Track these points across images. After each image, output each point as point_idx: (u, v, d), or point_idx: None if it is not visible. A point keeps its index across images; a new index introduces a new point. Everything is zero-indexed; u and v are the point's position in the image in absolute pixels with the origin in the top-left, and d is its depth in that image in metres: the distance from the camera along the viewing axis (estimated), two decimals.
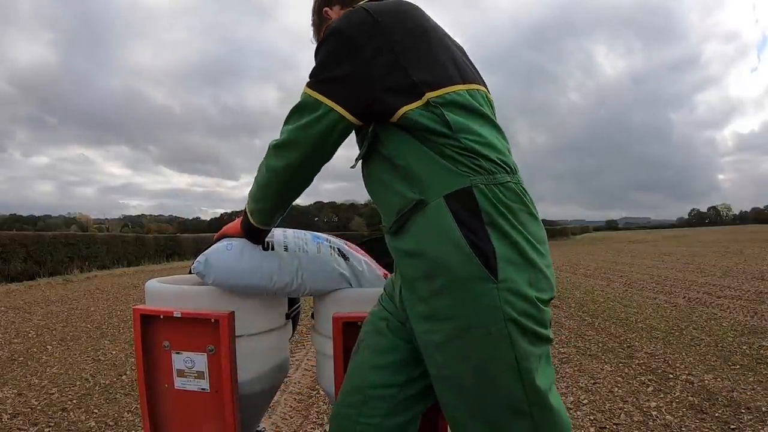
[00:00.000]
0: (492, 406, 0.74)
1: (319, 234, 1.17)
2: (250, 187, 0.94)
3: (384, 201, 0.85)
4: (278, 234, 1.09)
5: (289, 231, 1.13)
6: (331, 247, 1.10)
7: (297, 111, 0.83)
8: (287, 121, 0.85)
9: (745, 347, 3.41)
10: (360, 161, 0.88)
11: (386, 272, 1.14)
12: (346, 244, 1.17)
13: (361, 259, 1.13)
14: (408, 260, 0.77)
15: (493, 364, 0.72)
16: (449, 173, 0.75)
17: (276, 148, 0.86)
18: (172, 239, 21.20)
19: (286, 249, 1.05)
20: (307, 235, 1.14)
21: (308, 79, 0.84)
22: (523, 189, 0.80)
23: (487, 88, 0.91)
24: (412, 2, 0.87)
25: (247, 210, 0.96)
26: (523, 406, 0.73)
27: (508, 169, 0.78)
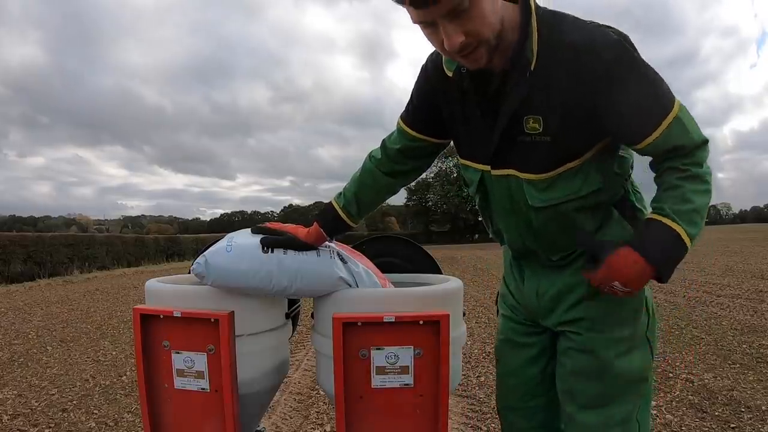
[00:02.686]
0: None
1: None
2: (693, 208, 0.83)
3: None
4: None
5: None
6: (330, 251, 1.10)
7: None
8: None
9: (745, 346, 3.41)
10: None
11: (385, 279, 1.14)
12: (345, 249, 1.17)
13: (360, 264, 1.13)
14: None
15: None
16: None
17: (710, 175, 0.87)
18: (172, 240, 21.20)
19: (285, 251, 1.05)
20: None
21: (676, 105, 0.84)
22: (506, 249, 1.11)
23: None
24: None
25: (688, 234, 0.82)
26: None
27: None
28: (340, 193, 1.13)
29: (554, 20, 0.84)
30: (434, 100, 1.00)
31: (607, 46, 0.80)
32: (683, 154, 0.84)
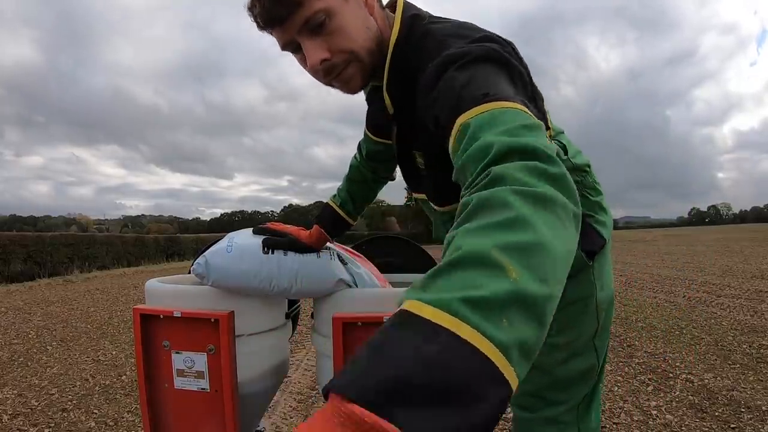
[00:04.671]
0: None
1: None
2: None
3: None
4: None
5: None
6: (330, 252, 1.10)
7: None
8: None
9: (745, 346, 3.41)
10: None
11: (385, 281, 1.14)
12: (346, 250, 1.17)
13: (361, 266, 1.13)
14: None
15: None
16: None
17: None
18: (172, 239, 21.21)
19: (285, 252, 1.05)
20: None
21: None
22: None
23: None
24: None
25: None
26: None
27: None
28: (335, 194, 1.15)
29: (421, 43, 0.71)
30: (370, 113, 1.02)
31: (436, 56, 0.63)
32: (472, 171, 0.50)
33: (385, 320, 0.91)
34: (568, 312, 0.89)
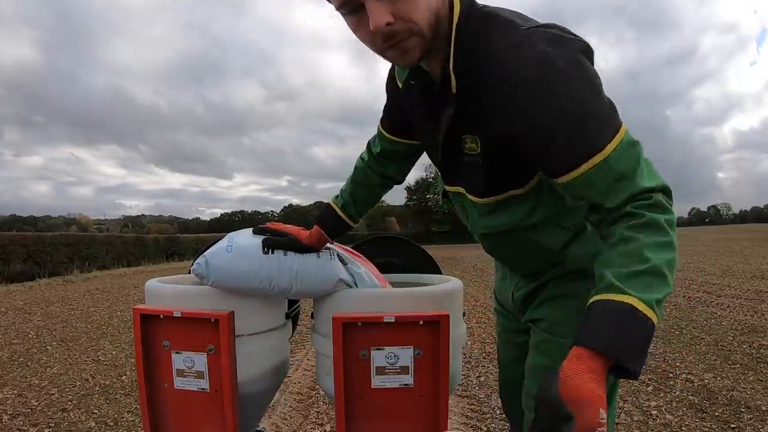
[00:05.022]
0: None
1: None
2: (648, 268, 0.62)
3: None
4: None
5: None
6: (330, 252, 1.10)
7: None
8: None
9: (745, 346, 3.41)
10: None
11: (385, 281, 1.14)
12: (346, 250, 1.17)
13: (361, 266, 1.13)
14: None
15: None
16: None
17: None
18: (172, 239, 21.21)
19: (285, 252, 1.05)
20: None
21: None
22: None
23: None
24: None
25: (645, 303, 0.60)
26: None
27: None
28: (338, 195, 1.13)
29: (482, 25, 0.72)
30: (399, 105, 0.97)
31: (526, 64, 0.67)
32: (631, 196, 0.66)
33: (385, 319, 0.91)
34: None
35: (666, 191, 0.68)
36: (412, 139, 1.03)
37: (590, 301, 0.64)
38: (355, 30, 0.72)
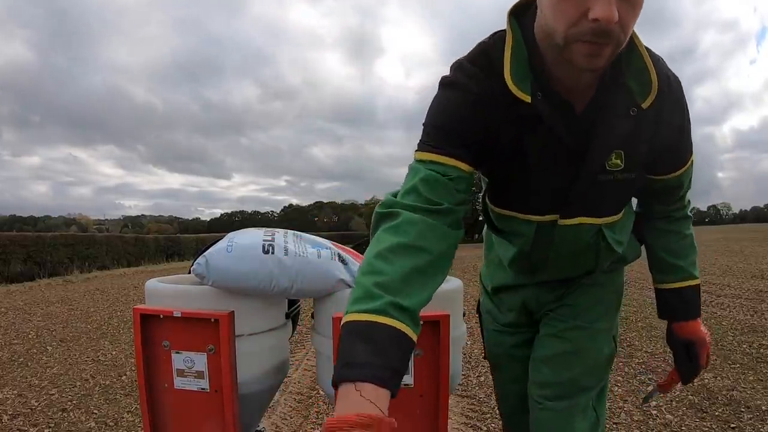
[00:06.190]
0: None
1: (319, 240, 1.16)
2: (695, 252, 0.99)
3: None
4: (279, 237, 1.09)
5: (290, 234, 1.12)
6: (331, 252, 1.10)
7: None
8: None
9: (745, 346, 3.41)
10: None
11: None
12: (346, 250, 1.17)
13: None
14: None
15: None
16: None
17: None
18: (172, 239, 21.20)
19: (286, 253, 1.04)
20: (308, 239, 1.13)
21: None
22: None
23: None
24: None
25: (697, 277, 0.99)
26: None
27: None
28: (372, 306, 0.60)
29: (647, 49, 0.76)
30: (486, 126, 0.75)
31: (676, 82, 0.80)
32: (682, 196, 0.93)
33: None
34: (619, 296, 1.03)
35: None
36: (471, 164, 0.75)
37: (684, 285, 0.97)
38: (560, 13, 0.63)
